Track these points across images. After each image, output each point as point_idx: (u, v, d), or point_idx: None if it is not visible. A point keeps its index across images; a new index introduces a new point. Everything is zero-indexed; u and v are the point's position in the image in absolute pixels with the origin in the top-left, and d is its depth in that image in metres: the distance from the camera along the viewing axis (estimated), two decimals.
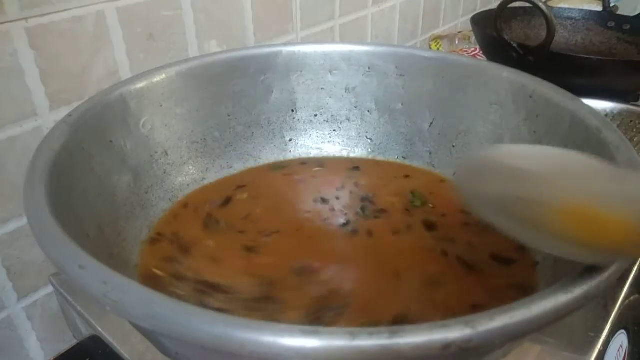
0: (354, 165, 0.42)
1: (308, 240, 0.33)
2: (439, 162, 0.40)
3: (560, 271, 0.27)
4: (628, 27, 0.68)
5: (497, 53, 0.58)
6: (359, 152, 0.43)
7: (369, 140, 0.43)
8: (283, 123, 0.42)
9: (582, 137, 0.30)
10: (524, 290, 0.29)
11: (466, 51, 0.76)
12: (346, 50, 0.41)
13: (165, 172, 0.36)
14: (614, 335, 0.31)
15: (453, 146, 0.40)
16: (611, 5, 0.70)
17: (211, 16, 0.45)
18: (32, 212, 0.22)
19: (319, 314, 0.27)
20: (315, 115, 0.43)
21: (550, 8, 0.64)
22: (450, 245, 0.32)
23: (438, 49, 0.79)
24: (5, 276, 0.37)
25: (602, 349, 0.29)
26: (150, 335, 0.23)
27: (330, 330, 0.16)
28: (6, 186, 0.35)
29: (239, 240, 0.33)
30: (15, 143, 0.35)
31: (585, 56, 0.53)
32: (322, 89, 0.42)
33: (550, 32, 0.51)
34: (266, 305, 0.27)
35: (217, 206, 0.36)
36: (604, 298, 0.32)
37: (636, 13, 0.77)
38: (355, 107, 0.43)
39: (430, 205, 0.37)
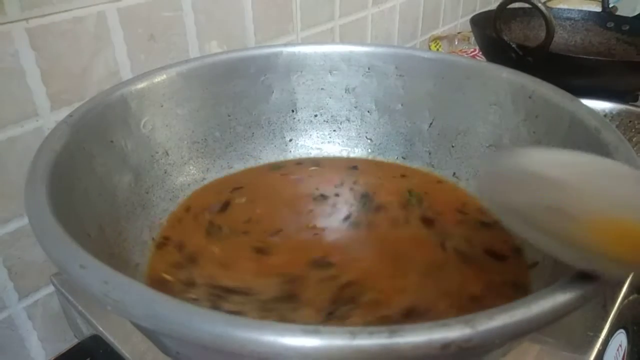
0: (352, 165, 0.42)
1: (314, 236, 0.34)
2: (438, 162, 0.41)
3: (559, 271, 0.27)
4: (627, 27, 0.68)
5: (497, 54, 0.58)
6: (358, 152, 0.43)
7: (369, 141, 0.43)
8: (283, 123, 0.42)
9: (582, 138, 0.30)
10: (519, 287, 0.29)
11: (465, 52, 0.76)
12: (346, 51, 0.41)
13: (166, 172, 0.36)
14: (613, 334, 0.31)
15: (452, 146, 0.40)
16: (610, 5, 0.70)
17: (212, 17, 0.45)
18: (33, 212, 0.22)
19: (336, 309, 0.27)
20: (315, 116, 0.43)
21: (550, 9, 0.64)
22: (448, 239, 0.33)
23: (437, 49, 0.79)
24: (6, 276, 0.37)
25: (601, 348, 0.29)
26: (151, 335, 0.23)
27: (330, 329, 0.16)
28: (7, 186, 0.35)
29: (247, 242, 0.33)
30: (16, 143, 0.35)
31: (585, 57, 0.53)
32: (322, 89, 0.42)
33: (550, 32, 0.51)
34: (283, 304, 0.28)
35: (216, 211, 0.36)
36: (603, 297, 0.32)
37: (635, 14, 0.78)
38: (355, 107, 0.43)
39: (426, 204, 0.37)
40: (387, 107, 0.42)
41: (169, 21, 0.42)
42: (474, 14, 0.66)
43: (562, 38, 0.71)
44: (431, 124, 0.41)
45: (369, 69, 0.41)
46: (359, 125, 0.43)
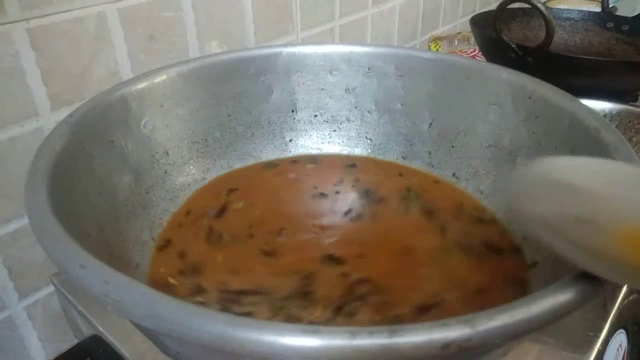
0: (350, 163, 0.42)
1: (320, 233, 0.34)
2: (438, 162, 0.41)
3: (558, 271, 0.27)
4: (627, 27, 0.68)
5: (496, 54, 0.58)
6: (358, 152, 0.43)
7: (369, 141, 0.43)
8: (283, 123, 0.42)
9: (581, 138, 0.30)
10: (519, 281, 0.30)
11: (465, 52, 0.76)
12: (346, 51, 0.41)
13: (166, 172, 0.36)
14: (613, 334, 0.31)
15: (452, 146, 0.40)
16: (610, 6, 0.70)
17: (212, 17, 0.45)
18: (33, 212, 0.22)
19: (345, 304, 0.28)
20: (315, 116, 0.43)
21: (549, 9, 0.64)
22: (448, 230, 0.34)
23: (437, 49, 0.79)
24: (6, 276, 0.37)
25: (601, 348, 0.29)
26: (151, 335, 0.23)
27: (330, 329, 0.16)
28: (7, 186, 0.35)
29: (254, 246, 0.32)
30: (16, 143, 0.35)
31: (584, 57, 0.53)
32: (322, 89, 0.42)
33: (549, 32, 0.51)
34: (299, 302, 0.28)
35: (214, 217, 0.35)
36: (603, 297, 0.32)
37: (635, 14, 0.78)
38: (355, 107, 0.43)
39: (424, 200, 0.38)
40: (387, 107, 0.42)
41: (169, 21, 0.42)
42: (474, 14, 0.66)
43: (562, 38, 0.71)
44: (431, 124, 0.41)
45: (369, 69, 0.41)
46: (359, 126, 0.43)
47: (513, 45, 0.55)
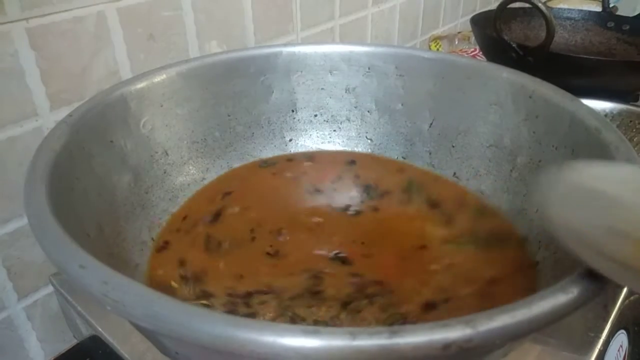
0: (350, 159, 0.42)
1: (322, 230, 0.34)
2: (439, 162, 0.40)
3: (559, 271, 0.27)
4: (627, 27, 0.68)
5: (497, 53, 0.58)
6: (358, 152, 0.43)
7: (369, 141, 0.43)
8: (283, 123, 0.42)
9: (582, 138, 0.30)
10: (530, 268, 0.30)
11: (466, 51, 0.76)
12: (346, 51, 0.41)
13: (165, 172, 0.36)
14: (614, 335, 0.31)
15: (453, 146, 0.40)
16: (610, 5, 0.70)
17: (211, 17, 0.45)
18: (32, 212, 0.22)
19: (355, 302, 0.28)
20: (315, 116, 0.43)
21: (550, 8, 0.64)
22: (454, 221, 0.34)
23: (438, 49, 0.79)
24: (5, 276, 0.37)
25: (602, 348, 0.29)
26: (150, 335, 0.23)
27: (330, 330, 0.16)
28: (6, 186, 0.35)
29: (257, 249, 0.32)
30: (15, 143, 0.35)
31: (585, 56, 0.53)
32: (322, 89, 0.42)
33: (550, 32, 0.51)
34: (309, 301, 0.28)
35: (209, 222, 0.34)
36: (604, 298, 0.32)
37: (635, 13, 0.77)
38: (355, 107, 0.43)
39: (427, 192, 0.38)
40: (387, 107, 0.42)
41: (168, 21, 0.42)
42: (474, 13, 0.66)
43: (563, 38, 0.71)
44: (431, 124, 0.41)
45: (369, 68, 0.41)
46: (359, 125, 0.43)
47: (513, 45, 0.55)
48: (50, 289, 0.39)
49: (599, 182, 0.20)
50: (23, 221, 0.37)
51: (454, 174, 0.39)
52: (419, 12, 0.76)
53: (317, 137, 0.43)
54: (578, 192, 0.20)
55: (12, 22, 0.33)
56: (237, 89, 0.39)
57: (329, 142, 0.43)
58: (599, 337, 0.29)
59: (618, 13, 0.73)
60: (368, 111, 0.43)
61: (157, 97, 0.35)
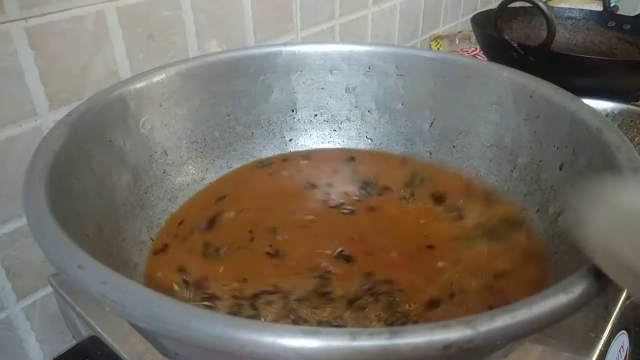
0: (349, 156, 0.42)
1: (323, 228, 0.34)
2: (439, 162, 0.40)
3: (562, 270, 0.27)
4: (628, 27, 0.68)
5: (498, 53, 0.58)
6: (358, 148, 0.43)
7: (369, 140, 0.43)
8: (283, 123, 0.42)
9: (583, 137, 0.30)
10: (539, 256, 0.30)
11: (466, 51, 0.76)
12: (346, 50, 0.41)
13: (164, 172, 0.36)
14: (614, 335, 0.31)
15: (453, 146, 0.40)
16: (611, 5, 0.70)
17: (211, 16, 0.45)
18: (31, 212, 0.21)
19: (358, 298, 0.28)
20: (315, 115, 0.43)
21: (551, 8, 0.64)
22: (463, 214, 0.34)
23: (438, 48, 0.79)
24: (4, 276, 0.37)
25: (603, 349, 0.29)
26: (149, 336, 0.23)
27: (330, 330, 0.16)
28: (5, 186, 0.35)
29: (256, 251, 0.32)
30: (14, 143, 0.35)
31: (586, 56, 0.53)
32: (322, 88, 0.42)
33: (551, 31, 0.51)
34: (317, 300, 0.28)
35: (204, 229, 0.34)
36: (605, 298, 0.32)
37: (636, 13, 0.77)
38: (356, 107, 0.43)
39: (431, 185, 0.38)
40: (388, 107, 0.42)
41: (168, 20, 0.42)
42: (475, 13, 0.66)
43: (564, 37, 0.71)
44: (432, 123, 0.41)
45: (369, 68, 0.41)
46: (359, 125, 0.43)
47: (514, 44, 0.55)
48: (49, 289, 0.39)
49: (634, 202, 0.19)
50: (22, 221, 0.37)
51: (455, 174, 0.39)
52: (419, 12, 0.76)
53: (317, 137, 0.43)
54: (622, 215, 0.19)
55: (11, 21, 0.33)
56: (236, 88, 0.39)
57: (329, 142, 0.43)
58: (600, 338, 0.29)
59: (619, 12, 0.72)
60: (368, 111, 0.43)
61: (156, 97, 0.35)
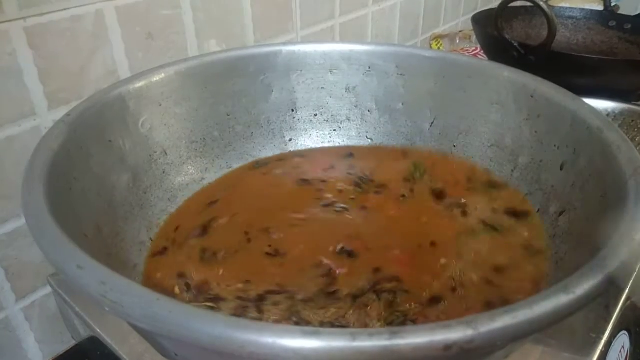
0: (348, 153, 0.42)
1: (324, 226, 0.34)
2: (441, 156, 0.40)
3: (563, 270, 0.27)
4: (629, 26, 0.68)
5: (498, 52, 0.58)
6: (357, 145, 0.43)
7: (369, 140, 0.43)
8: (283, 123, 0.42)
9: (584, 137, 0.30)
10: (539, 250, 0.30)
11: (467, 50, 0.75)
12: (346, 50, 0.41)
13: (164, 172, 0.35)
14: (615, 336, 0.31)
15: (454, 146, 0.40)
16: (612, 4, 0.70)
17: (210, 15, 0.45)
18: (30, 212, 0.21)
19: (361, 295, 0.28)
20: (315, 115, 0.43)
21: (552, 7, 0.64)
22: (467, 209, 0.34)
23: (439, 48, 0.78)
24: (3, 277, 0.37)
25: (603, 350, 0.29)
26: (149, 336, 0.23)
27: (330, 331, 0.16)
28: (4, 186, 0.35)
29: (256, 251, 0.32)
30: (13, 143, 0.35)
31: (587, 55, 0.53)
32: (322, 88, 0.42)
33: (552, 31, 0.50)
34: (323, 299, 0.28)
35: (198, 235, 0.33)
36: (606, 299, 0.31)
37: (637, 12, 0.77)
38: (356, 106, 0.43)
39: (431, 176, 0.38)
40: (388, 107, 0.42)
41: (167, 19, 0.42)
42: (476, 12, 0.66)
43: (564, 37, 0.71)
44: (432, 123, 0.41)
45: (369, 68, 0.41)
46: (360, 125, 0.43)
47: (515, 44, 0.55)
48: (48, 289, 0.39)
49: None
50: (21, 221, 0.36)
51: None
52: (419, 11, 0.76)
53: (317, 136, 0.43)
54: None
55: (10, 21, 0.33)
56: (236, 88, 0.39)
57: (329, 141, 0.43)
58: (601, 338, 0.29)
59: (620, 12, 0.72)
60: (368, 110, 0.42)
61: (155, 97, 0.35)
